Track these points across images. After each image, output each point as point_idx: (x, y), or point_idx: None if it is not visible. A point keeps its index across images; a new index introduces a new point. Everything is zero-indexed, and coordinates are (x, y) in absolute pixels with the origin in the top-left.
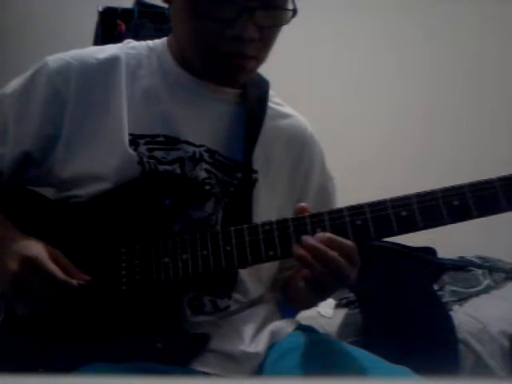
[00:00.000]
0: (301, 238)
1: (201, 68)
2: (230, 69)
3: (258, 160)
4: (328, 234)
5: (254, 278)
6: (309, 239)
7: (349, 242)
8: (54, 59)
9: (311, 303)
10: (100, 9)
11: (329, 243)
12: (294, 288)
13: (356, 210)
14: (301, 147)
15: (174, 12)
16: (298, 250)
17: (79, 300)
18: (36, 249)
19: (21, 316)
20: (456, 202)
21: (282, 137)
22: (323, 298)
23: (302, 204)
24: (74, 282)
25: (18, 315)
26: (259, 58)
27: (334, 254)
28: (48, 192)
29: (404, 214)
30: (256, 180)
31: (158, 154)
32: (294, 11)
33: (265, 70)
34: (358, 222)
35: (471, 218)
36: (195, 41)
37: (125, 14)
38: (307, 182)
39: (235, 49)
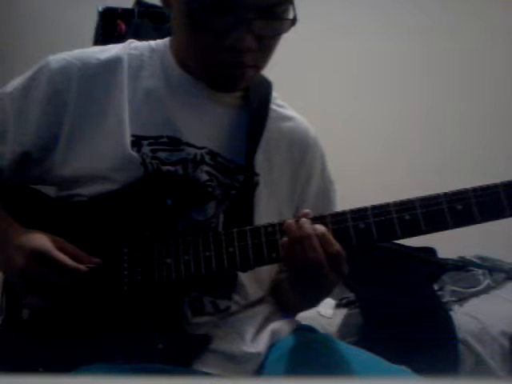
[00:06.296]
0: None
1: (200, 75)
2: (228, 77)
3: (260, 163)
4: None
5: (253, 281)
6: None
7: (337, 247)
8: (56, 59)
9: (299, 305)
10: (100, 9)
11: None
12: (282, 289)
13: (359, 214)
14: (303, 150)
15: (173, 18)
16: (289, 225)
17: (91, 285)
18: (40, 240)
19: (36, 309)
20: (459, 207)
21: (284, 139)
22: (307, 299)
23: (306, 211)
24: (84, 267)
25: (33, 309)
26: (258, 67)
27: (316, 242)
28: (48, 190)
29: (407, 218)
30: (257, 183)
31: (162, 154)
32: (294, 20)
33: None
34: (361, 226)
35: (475, 222)
36: (193, 49)
37: (125, 13)
38: (308, 186)
39: (233, 58)
